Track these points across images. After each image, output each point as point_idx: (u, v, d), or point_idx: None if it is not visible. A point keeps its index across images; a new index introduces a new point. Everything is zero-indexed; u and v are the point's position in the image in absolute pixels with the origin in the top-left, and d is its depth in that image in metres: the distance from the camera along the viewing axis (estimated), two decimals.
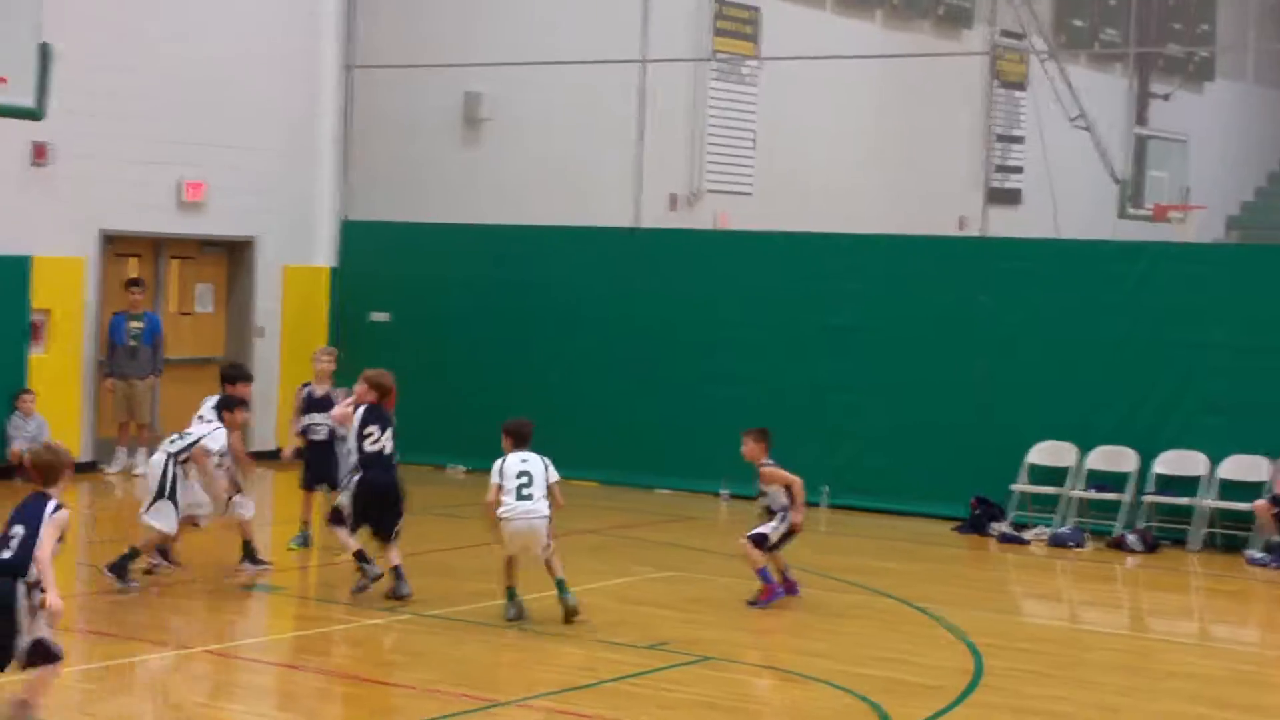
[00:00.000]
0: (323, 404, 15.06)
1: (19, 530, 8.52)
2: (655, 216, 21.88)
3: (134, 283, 19.88)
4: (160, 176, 20.23)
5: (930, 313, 18.78)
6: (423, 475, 12.80)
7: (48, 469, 8.83)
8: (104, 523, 17.59)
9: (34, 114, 17.20)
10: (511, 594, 12.40)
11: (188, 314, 21.38)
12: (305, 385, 15.50)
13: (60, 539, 8.52)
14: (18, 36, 16.73)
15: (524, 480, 12.20)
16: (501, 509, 12.14)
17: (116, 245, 20.31)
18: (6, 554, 8.45)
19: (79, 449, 19.21)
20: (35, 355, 19.06)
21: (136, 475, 19.45)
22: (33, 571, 8.34)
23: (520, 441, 12.49)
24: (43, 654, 8.44)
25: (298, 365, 21.68)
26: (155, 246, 20.91)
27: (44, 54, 16.80)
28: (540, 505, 12.24)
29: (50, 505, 8.61)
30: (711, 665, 11.31)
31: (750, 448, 13.63)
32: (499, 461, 12.33)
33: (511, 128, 22.68)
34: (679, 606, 13.46)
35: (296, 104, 21.72)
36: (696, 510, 18.83)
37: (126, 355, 19.58)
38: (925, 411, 18.64)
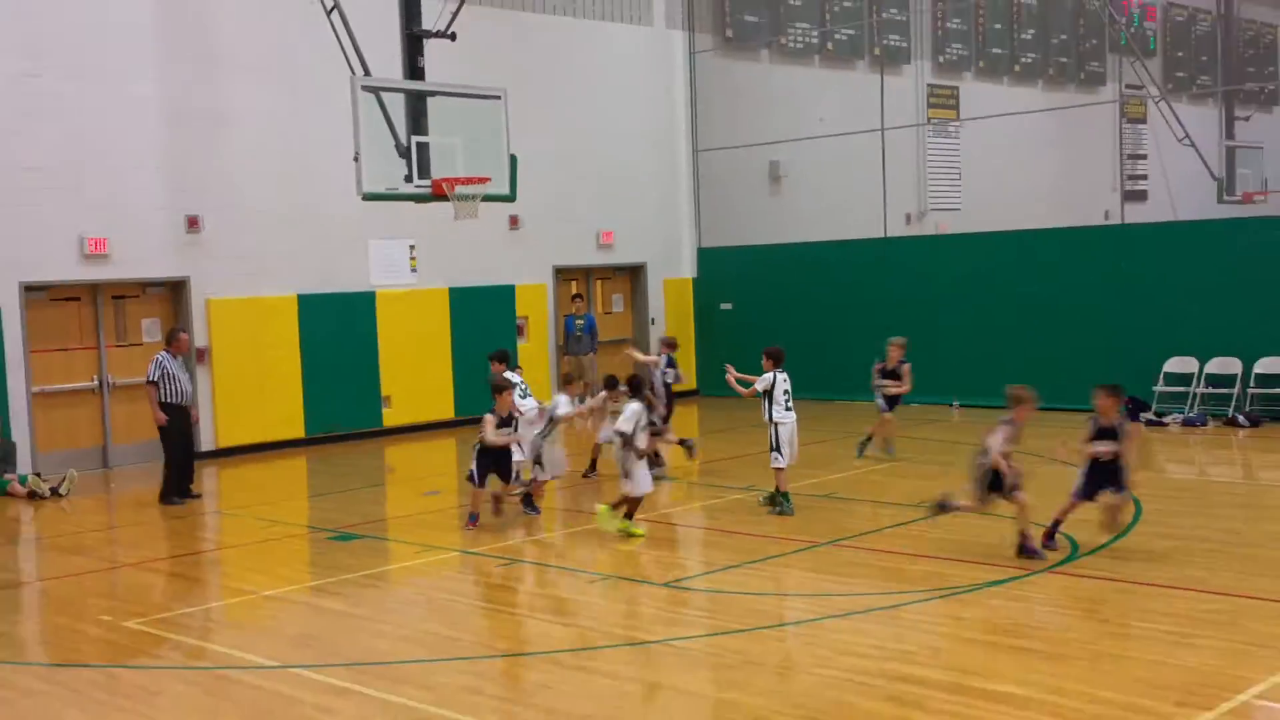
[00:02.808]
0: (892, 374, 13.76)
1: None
2: (896, 228, 21.37)
3: (577, 296, 20.33)
4: (587, 229, 20.64)
5: (1041, 288, 17.86)
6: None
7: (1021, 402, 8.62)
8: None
9: (508, 198, 17.77)
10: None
11: (609, 313, 21.71)
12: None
13: None
14: (495, 149, 17.21)
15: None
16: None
17: (563, 274, 20.80)
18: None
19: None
20: (521, 344, 19.67)
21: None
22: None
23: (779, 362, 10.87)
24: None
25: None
26: (586, 273, 21.28)
27: (512, 160, 17.37)
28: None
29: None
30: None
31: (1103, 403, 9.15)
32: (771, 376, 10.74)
33: (799, 180, 22.46)
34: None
35: (666, 177, 21.87)
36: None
37: (575, 341, 20.03)
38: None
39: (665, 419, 12.94)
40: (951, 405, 18.90)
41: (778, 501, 11.00)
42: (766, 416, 10.99)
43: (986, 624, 7.61)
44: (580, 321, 20.09)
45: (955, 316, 19.13)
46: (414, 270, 18.43)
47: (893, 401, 13.92)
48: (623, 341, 21.92)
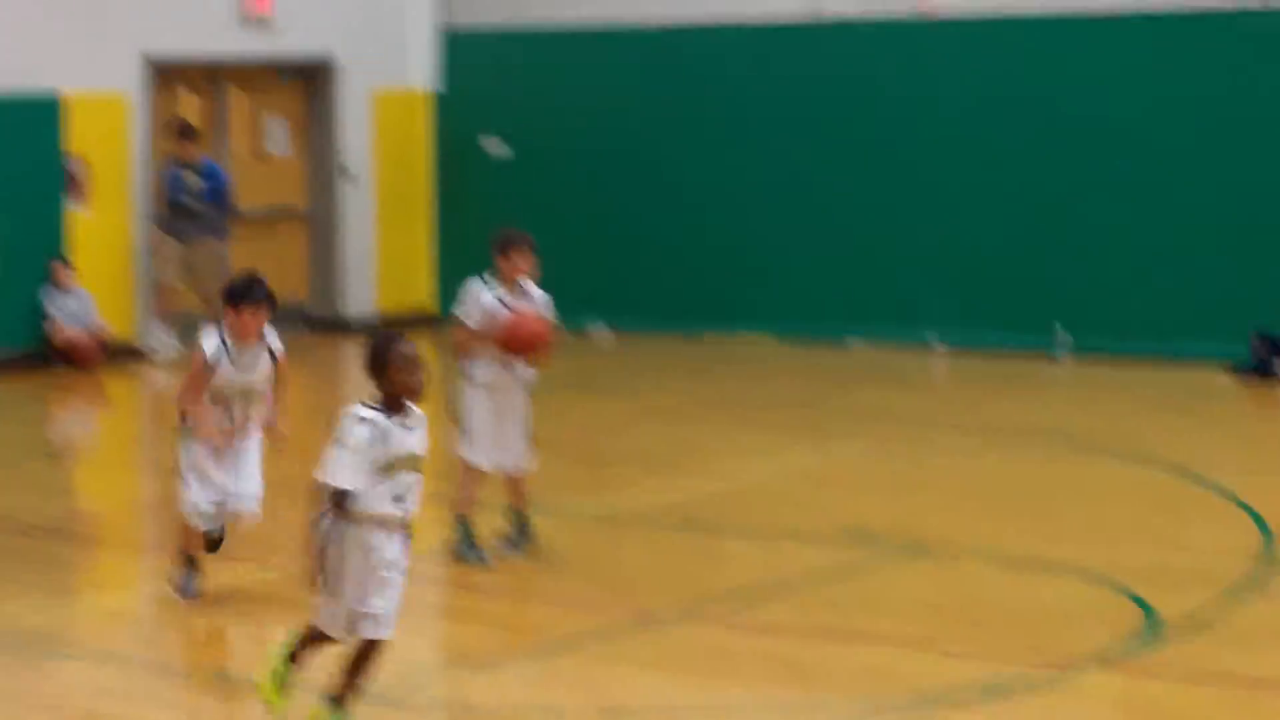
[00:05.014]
0: None
1: None
2: (841, 5, 21.51)
3: (183, 129, 19.78)
4: None
5: (1195, 103, 18.35)
6: (561, 341, 12.60)
7: None
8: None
9: None
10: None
11: (259, 157, 21.48)
12: None
13: None
14: None
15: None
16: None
17: (167, 76, 20.36)
18: None
19: (130, 330, 19.44)
20: (74, 215, 19.22)
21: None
22: None
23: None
24: None
25: (395, 213, 21.85)
26: (214, 76, 20.98)
27: None
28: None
29: None
30: (929, 558, 11.17)
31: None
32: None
33: None
34: (883, 488, 13.34)
35: None
36: (901, 367, 18.70)
37: (184, 215, 19.56)
38: (1186, 226, 18.30)
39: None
40: (930, 345, 19.27)
41: (471, 543, 11.19)
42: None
43: None
44: (193, 178, 19.68)
45: (937, 176, 19.52)
46: None
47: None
48: (286, 215, 21.58)
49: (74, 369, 18.10)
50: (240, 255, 20.57)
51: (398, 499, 7.79)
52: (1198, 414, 16.20)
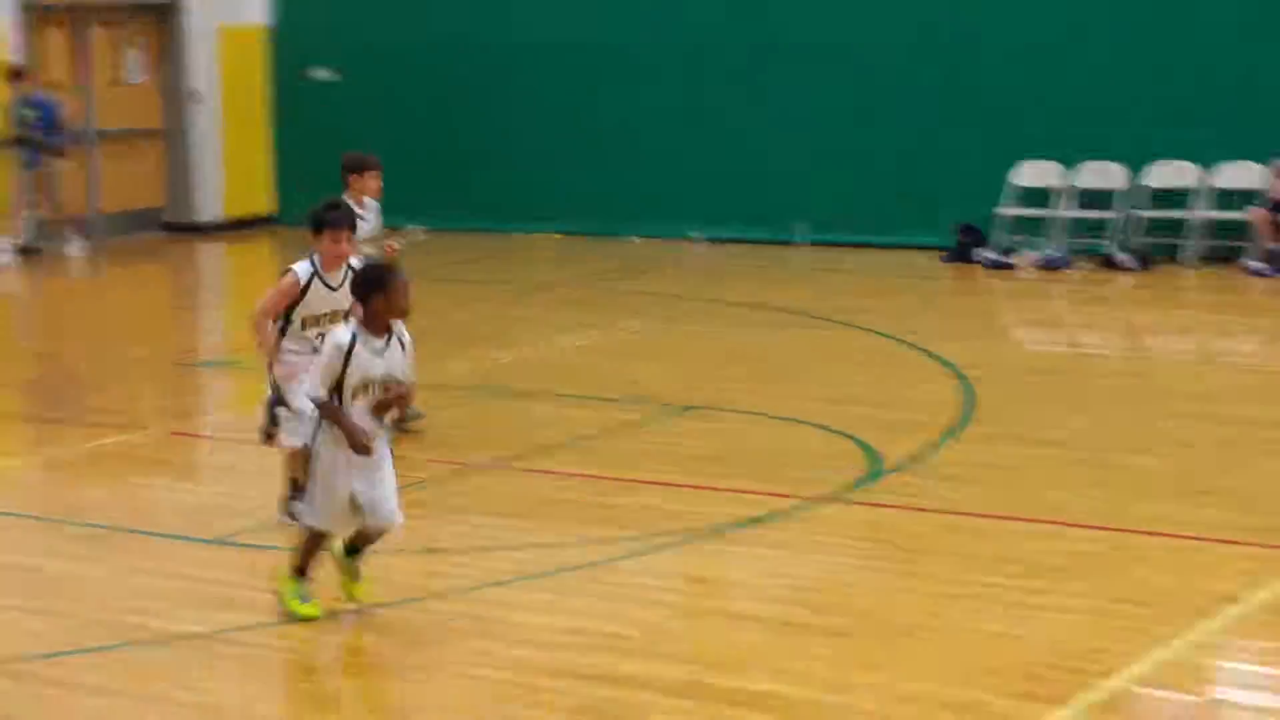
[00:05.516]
0: None
1: None
2: None
3: (10, 71, 19.05)
4: None
5: (903, 22, 18.50)
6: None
7: None
8: None
9: None
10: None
11: (119, 84, 21.04)
12: None
13: None
14: None
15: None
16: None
17: (38, 13, 19.90)
18: None
19: None
20: None
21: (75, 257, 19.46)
22: None
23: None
24: None
25: (239, 131, 21.60)
26: (79, 16, 20.49)
27: None
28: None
29: None
30: (697, 415, 11.30)
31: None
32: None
33: None
34: (658, 358, 13.48)
35: None
36: (670, 257, 18.83)
37: (25, 144, 19.06)
38: (900, 133, 18.49)
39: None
40: (693, 239, 19.40)
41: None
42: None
43: (737, 586, 8.02)
44: (28, 111, 19.06)
45: (679, 89, 19.56)
46: None
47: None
48: (145, 134, 21.21)
49: None
50: (106, 170, 20.48)
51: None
52: (912, 291, 16.51)
